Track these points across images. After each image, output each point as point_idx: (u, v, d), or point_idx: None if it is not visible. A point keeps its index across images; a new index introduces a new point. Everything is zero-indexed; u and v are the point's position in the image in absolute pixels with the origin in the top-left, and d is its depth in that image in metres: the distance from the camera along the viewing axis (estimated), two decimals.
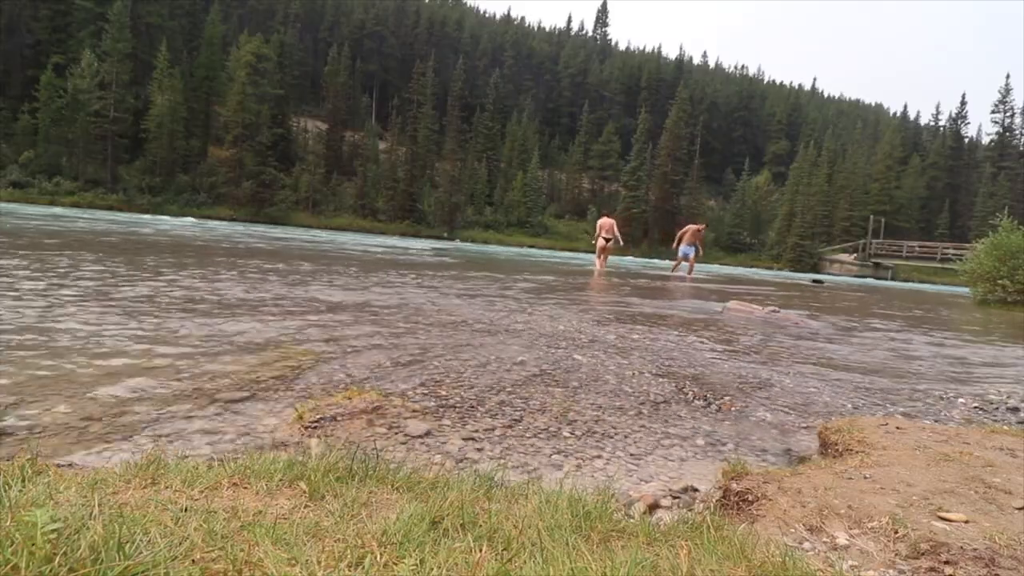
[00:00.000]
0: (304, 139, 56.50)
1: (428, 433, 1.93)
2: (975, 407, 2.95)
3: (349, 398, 2.10)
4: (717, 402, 2.65)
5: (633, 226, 53.84)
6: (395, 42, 70.82)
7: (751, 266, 46.55)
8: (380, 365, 2.76)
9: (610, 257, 15.80)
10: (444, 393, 2.40)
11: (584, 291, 8.50)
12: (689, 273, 15.62)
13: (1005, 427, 2.34)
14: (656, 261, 35.87)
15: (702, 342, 4.32)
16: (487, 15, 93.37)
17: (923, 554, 1.12)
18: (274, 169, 46.91)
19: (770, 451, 2.11)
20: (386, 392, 2.30)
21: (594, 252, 15.04)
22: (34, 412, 1.81)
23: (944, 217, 59.39)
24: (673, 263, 16.62)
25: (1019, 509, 1.32)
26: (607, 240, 13.98)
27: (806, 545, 1.18)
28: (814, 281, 23.60)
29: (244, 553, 0.85)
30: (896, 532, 1.19)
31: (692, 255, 15.13)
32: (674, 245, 15.40)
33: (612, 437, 2.08)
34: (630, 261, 30.92)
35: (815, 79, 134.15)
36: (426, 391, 2.41)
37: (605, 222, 14.15)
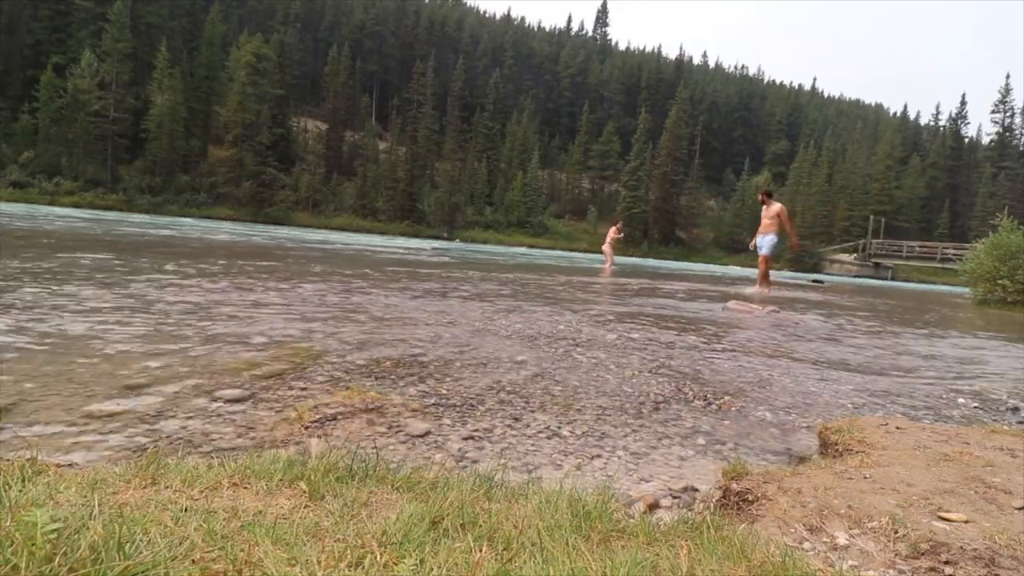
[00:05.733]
0: (304, 139, 56.53)
1: (428, 433, 1.93)
2: (975, 407, 2.95)
3: (349, 398, 2.10)
4: (717, 402, 2.65)
5: (633, 226, 53.85)
6: (395, 42, 70.86)
7: (751, 266, 46.50)
8: (380, 365, 2.76)
9: (642, 260, 17.30)
10: (444, 392, 2.40)
11: (584, 291, 8.50)
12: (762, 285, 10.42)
13: (1005, 427, 2.34)
14: (675, 263, 35.84)
15: (702, 342, 4.32)
16: (487, 15, 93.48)
17: (923, 554, 1.12)
18: (274, 169, 46.93)
19: (770, 451, 2.11)
20: (386, 392, 2.30)
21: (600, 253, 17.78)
22: (35, 411, 1.81)
23: (944, 217, 59.42)
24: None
25: (1019, 509, 1.32)
26: (602, 245, 16.74)
27: (806, 545, 1.18)
28: (814, 281, 23.64)
29: (244, 553, 0.85)
30: (896, 532, 1.19)
31: (767, 249, 10.15)
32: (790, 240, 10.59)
33: (612, 436, 2.08)
34: (625, 261, 30.88)
35: (815, 79, 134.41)
36: (426, 390, 2.41)
37: (610, 231, 16.60)
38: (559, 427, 2.12)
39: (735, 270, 32.55)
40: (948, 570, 1.07)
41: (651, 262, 33.45)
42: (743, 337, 4.85)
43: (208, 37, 48.50)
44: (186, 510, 0.99)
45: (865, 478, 1.48)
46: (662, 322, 5.34)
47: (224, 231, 19.59)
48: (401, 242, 26.71)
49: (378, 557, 0.89)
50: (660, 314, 6.05)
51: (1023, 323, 9.47)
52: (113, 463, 1.46)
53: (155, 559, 0.79)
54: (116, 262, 6.38)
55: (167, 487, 1.11)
